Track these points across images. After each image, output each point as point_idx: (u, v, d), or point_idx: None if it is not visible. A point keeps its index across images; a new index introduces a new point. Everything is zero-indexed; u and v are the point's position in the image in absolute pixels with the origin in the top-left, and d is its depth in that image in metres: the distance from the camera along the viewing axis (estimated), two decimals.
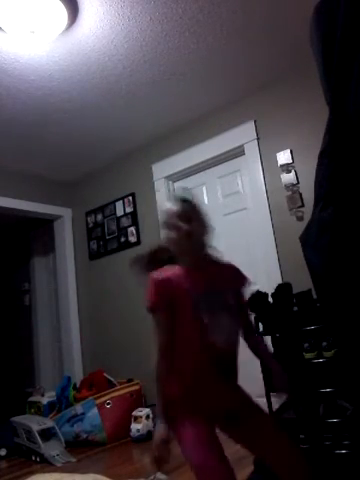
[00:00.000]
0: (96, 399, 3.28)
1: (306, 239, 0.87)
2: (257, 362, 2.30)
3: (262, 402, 2.31)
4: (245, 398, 1.35)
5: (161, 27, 2.46)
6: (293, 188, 2.95)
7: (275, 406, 2.26)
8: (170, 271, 1.31)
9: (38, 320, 4.97)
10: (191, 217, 1.30)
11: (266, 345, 1.52)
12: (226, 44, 2.68)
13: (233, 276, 1.40)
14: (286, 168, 2.99)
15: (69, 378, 3.62)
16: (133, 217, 3.92)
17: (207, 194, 3.54)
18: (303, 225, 0.89)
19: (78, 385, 3.60)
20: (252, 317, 2.23)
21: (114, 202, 4.10)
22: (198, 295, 1.29)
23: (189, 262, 1.33)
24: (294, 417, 2.16)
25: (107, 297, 4.05)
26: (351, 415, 1.95)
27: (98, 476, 2.08)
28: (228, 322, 1.30)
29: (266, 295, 2.36)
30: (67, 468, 2.74)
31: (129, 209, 3.96)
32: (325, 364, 2.07)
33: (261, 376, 2.27)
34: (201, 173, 3.59)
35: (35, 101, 2.99)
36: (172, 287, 1.27)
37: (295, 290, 2.32)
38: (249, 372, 3.01)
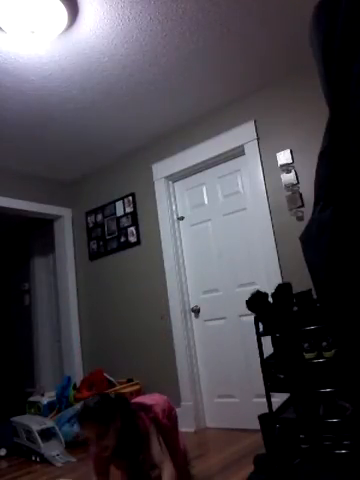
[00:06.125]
0: None
1: (306, 239, 0.86)
2: (257, 362, 2.31)
3: (262, 402, 2.32)
4: None
5: (161, 27, 2.46)
6: (293, 188, 2.95)
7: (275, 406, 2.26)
8: None
9: (38, 320, 4.98)
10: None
11: None
12: (226, 44, 2.68)
13: None
14: (286, 168, 2.99)
15: (69, 378, 3.62)
16: (133, 217, 3.92)
17: (207, 194, 3.54)
18: (303, 225, 0.90)
19: (78, 385, 3.60)
20: None
21: (114, 202, 4.10)
22: None
23: None
24: (294, 417, 2.16)
25: (107, 297, 4.05)
26: (351, 415, 1.95)
27: None
28: None
29: (266, 295, 2.35)
30: (67, 468, 2.74)
31: (129, 209, 3.96)
32: (325, 364, 2.07)
33: (261, 376, 2.28)
34: (201, 173, 3.59)
35: (35, 101, 2.99)
36: None
37: (295, 290, 2.32)
38: (249, 372, 3.02)
